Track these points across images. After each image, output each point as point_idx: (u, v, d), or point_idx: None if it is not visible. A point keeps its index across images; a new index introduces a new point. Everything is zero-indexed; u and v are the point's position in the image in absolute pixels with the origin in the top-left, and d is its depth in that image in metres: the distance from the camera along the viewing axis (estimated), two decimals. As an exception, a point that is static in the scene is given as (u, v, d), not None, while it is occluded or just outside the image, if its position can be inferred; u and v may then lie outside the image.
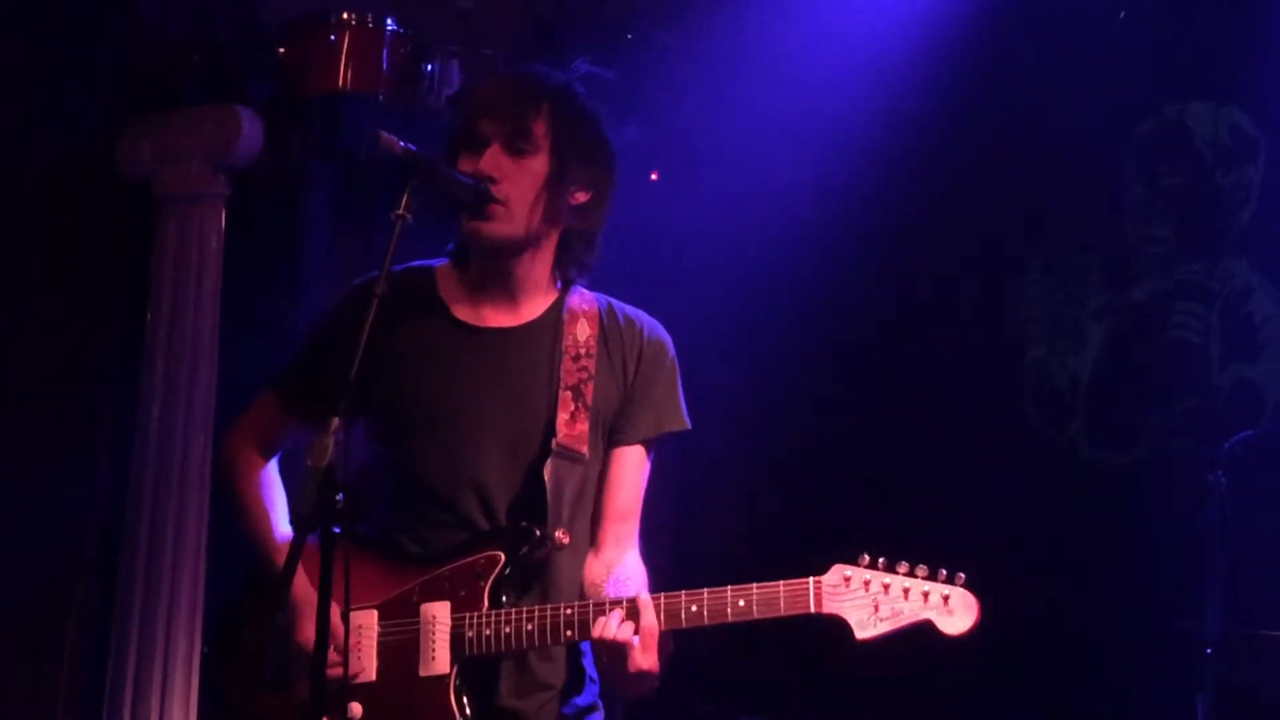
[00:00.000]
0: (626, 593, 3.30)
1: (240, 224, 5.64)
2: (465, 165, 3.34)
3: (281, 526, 3.48)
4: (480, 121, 3.36)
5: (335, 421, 2.94)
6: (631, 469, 3.46)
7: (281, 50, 5.71)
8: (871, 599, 3.16)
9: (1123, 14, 6.08)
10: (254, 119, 5.54)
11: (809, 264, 6.54)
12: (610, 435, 3.44)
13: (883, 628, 3.16)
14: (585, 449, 3.37)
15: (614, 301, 3.52)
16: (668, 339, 3.51)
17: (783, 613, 3.20)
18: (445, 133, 3.50)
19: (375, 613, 3.33)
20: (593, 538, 3.45)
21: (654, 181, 6.65)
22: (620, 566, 3.40)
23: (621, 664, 3.20)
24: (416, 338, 3.42)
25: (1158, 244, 6.17)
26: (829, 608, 3.18)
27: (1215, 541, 4.96)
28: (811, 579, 3.20)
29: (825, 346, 6.63)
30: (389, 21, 5.73)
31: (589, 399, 3.38)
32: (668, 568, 6.86)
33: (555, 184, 3.35)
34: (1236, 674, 4.91)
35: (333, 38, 5.64)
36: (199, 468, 5.48)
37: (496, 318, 3.43)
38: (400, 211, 3.12)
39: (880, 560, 3.19)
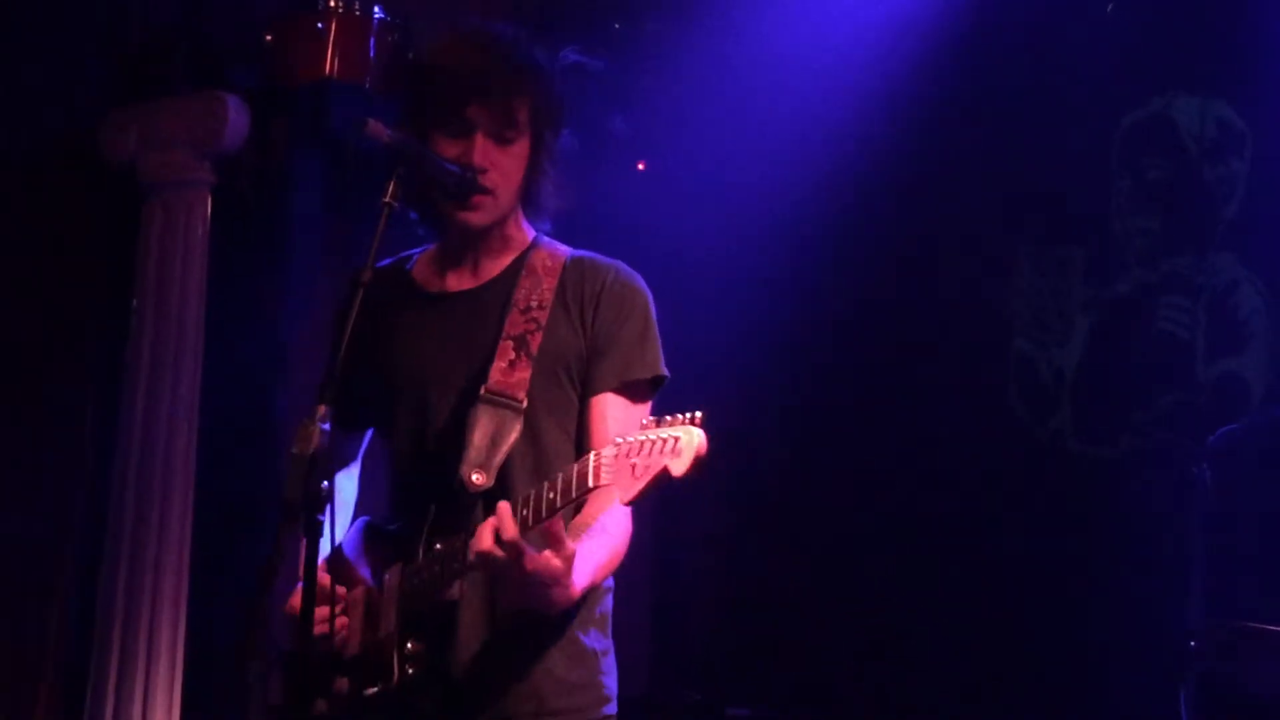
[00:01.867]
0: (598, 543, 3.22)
1: (226, 212, 5.63)
2: (448, 149, 3.33)
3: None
4: (465, 107, 3.34)
5: (321, 409, 2.94)
6: (605, 419, 3.35)
7: (268, 37, 5.70)
8: (630, 461, 2.96)
9: (1110, 6, 6.09)
10: (241, 106, 5.53)
11: (794, 256, 6.55)
12: (582, 387, 3.39)
13: (637, 487, 2.94)
14: (522, 396, 3.30)
15: (585, 254, 3.48)
16: (639, 285, 3.44)
17: (575, 495, 3.01)
18: (410, 94, 3.44)
19: (365, 590, 3.36)
20: None
21: (640, 171, 6.65)
22: (600, 518, 3.26)
23: (500, 574, 3.10)
24: (389, 319, 3.45)
25: (1143, 237, 6.18)
26: (605, 479, 2.98)
27: (1199, 534, 4.96)
28: (593, 452, 3.02)
29: (810, 338, 6.64)
30: (376, 9, 5.72)
31: (533, 348, 3.33)
32: (648, 550, 6.87)
33: (533, 163, 3.40)
34: (1219, 666, 4.92)
35: (320, 25, 5.63)
36: (184, 458, 5.46)
37: (459, 282, 3.47)
38: (388, 199, 3.13)
39: (654, 418, 2.99)
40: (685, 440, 2.91)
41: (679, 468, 2.90)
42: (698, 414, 2.94)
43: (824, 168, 6.41)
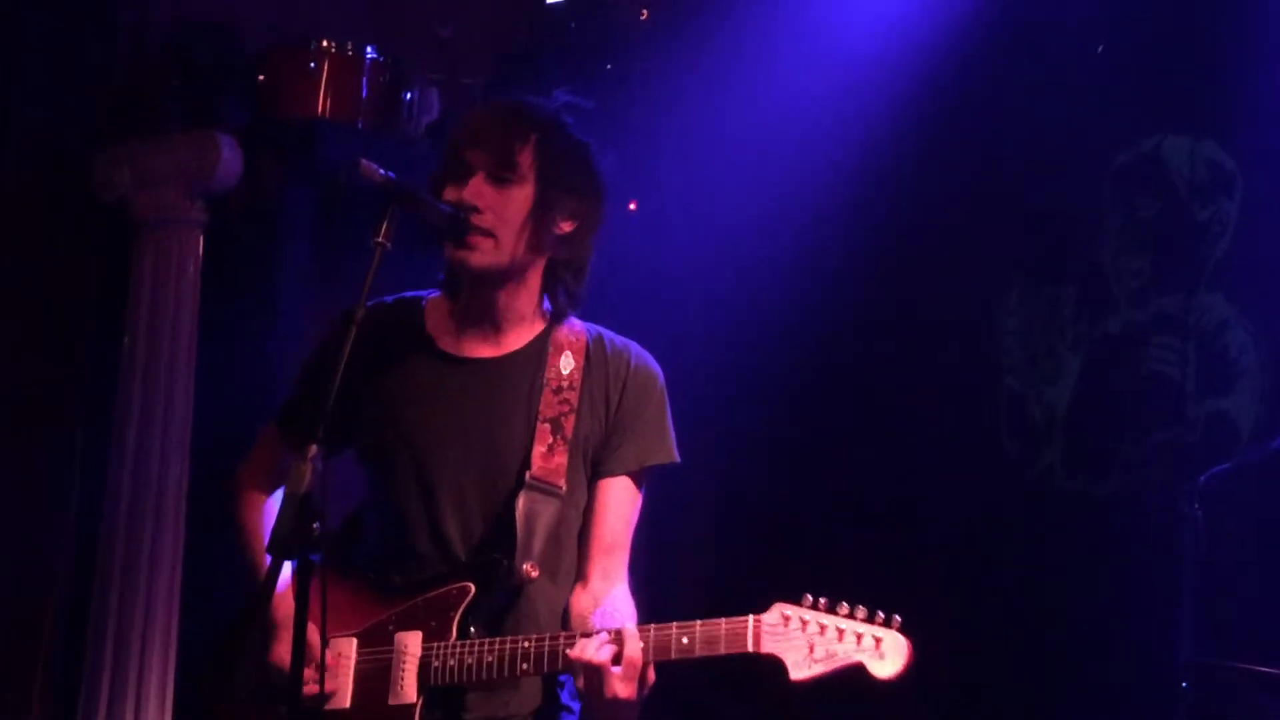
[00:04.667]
0: (612, 625, 3.26)
1: (218, 249, 5.64)
2: (450, 194, 3.33)
3: None
4: (466, 151, 3.36)
5: (313, 448, 2.94)
6: (617, 502, 3.42)
7: (260, 76, 5.71)
8: (808, 640, 3.10)
9: (1101, 48, 6.12)
10: (233, 145, 5.55)
11: (784, 293, 6.55)
12: (594, 467, 3.42)
13: (817, 669, 3.09)
14: (562, 482, 3.35)
15: (605, 332, 3.49)
16: (657, 370, 3.47)
17: (723, 651, 3.13)
18: (425, 161, 3.50)
19: (354, 640, 3.34)
20: (580, 571, 3.43)
21: (632, 211, 6.66)
22: (608, 599, 3.36)
23: (599, 690, 3.17)
24: (399, 369, 3.42)
25: (1134, 276, 6.19)
26: (767, 647, 3.11)
27: (1190, 574, 4.96)
28: (751, 617, 3.13)
29: (799, 376, 6.63)
30: (369, 49, 5.75)
31: (568, 432, 3.36)
32: (637, 598, 6.86)
33: (540, 214, 3.34)
34: (1211, 707, 4.91)
35: (312, 65, 5.66)
36: (175, 492, 5.47)
37: (479, 349, 3.42)
38: (380, 239, 3.12)
39: (821, 600, 3.13)
40: (892, 646, 3.08)
41: (883, 671, 3.07)
42: (897, 618, 3.10)
43: (813, 206, 6.42)
